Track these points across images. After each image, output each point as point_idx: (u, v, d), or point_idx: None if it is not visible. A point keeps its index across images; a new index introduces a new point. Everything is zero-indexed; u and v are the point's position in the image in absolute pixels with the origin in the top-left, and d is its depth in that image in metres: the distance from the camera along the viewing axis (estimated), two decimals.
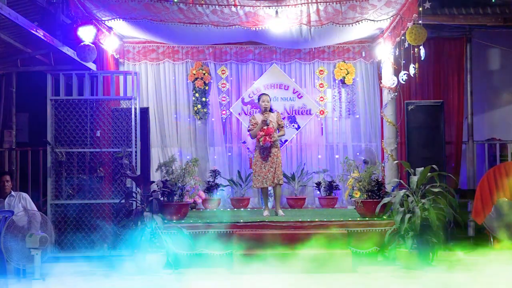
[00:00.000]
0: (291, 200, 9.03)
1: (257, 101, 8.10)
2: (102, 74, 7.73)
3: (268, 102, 7.66)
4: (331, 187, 8.96)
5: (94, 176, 7.46)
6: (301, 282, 5.89)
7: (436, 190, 6.61)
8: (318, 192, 9.09)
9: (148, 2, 7.04)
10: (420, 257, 6.49)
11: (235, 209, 8.84)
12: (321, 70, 9.40)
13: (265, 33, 7.68)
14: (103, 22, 7.44)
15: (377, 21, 7.32)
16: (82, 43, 6.96)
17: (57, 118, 7.51)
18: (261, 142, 7.50)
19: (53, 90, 7.57)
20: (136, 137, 7.52)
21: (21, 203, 6.79)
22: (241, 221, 7.06)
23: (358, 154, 9.14)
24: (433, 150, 7.99)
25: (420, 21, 6.84)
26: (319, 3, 7.11)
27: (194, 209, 8.68)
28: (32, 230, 6.12)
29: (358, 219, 7.19)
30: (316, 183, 9.08)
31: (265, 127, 7.51)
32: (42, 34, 6.44)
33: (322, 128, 9.39)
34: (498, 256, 6.97)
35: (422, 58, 7.00)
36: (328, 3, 7.10)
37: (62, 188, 7.46)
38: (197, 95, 9.25)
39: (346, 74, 9.27)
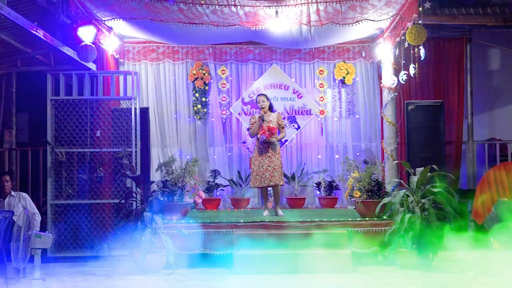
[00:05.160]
0: (291, 200, 9.03)
1: (255, 101, 8.10)
2: (102, 74, 7.74)
3: (263, 101, 7.62)
4: (331, 187, 8.96)
5: (94, 176, 7.46)
6: (301, 282, 5.89)
7: (436, 190, 6.61)
8: (318, 192, 9.10)
9: (148, 2, 7.04)
10: (420, 257, 6.49)
11: (235, 209, 8.85)
12: (321, 70, 9.40)
13: (265, 33, 7.68)
14: (103, 22, 7.45)
15: (377, 21, 7.32)
16: (82, 43, 6.96)
17: (57, 118, 7.51)
18: (259, 135, 7.47)
19: (53, 90, 7.57)
20: (136, 137, 7.52)
21: (21, 203, 6.80)
22: (241, 221, 7.06)
23: (358, 154, 9.14)
24: (433, 150, 7.99)
25: (420, 21, 6.84)
26: (319, 3, 7.11)
27: (194, 209, 8.68)
28: (33, 230, 6.11)
29: (358, 219, 7.19)
30: (316, 183, 9.09)
31: (270, 125, 7.48)
32: (42, 34, 6.44)
33: (322, 128, 9.39)
34: (498, 256, 6.97)
35: (422, 58, 6.99)
36: (328, 3, 7.10)
37: (62, 188, 7.46)
38: (197, 95, 9.25)
39: (346, 74, 9.27)
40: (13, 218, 5.91)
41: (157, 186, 7.13)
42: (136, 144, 7.52)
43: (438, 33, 8.85)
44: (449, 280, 5.88)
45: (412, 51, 7.01)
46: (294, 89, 9.40)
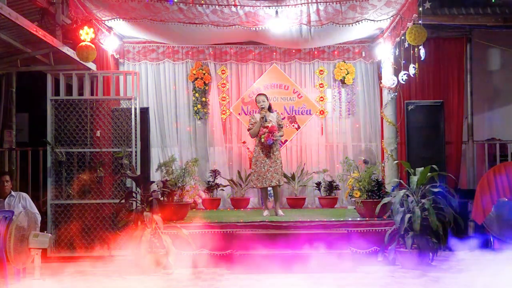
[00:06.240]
0: (291, 200, 9.03)
1: (255, 101, 8.10)
2: (102, 74, 7.73)
3: (264, 101, 7.65)
4: (331, 187, 8.96)
5: (94, 176, 7.46)
6: (301, 282, 5.89)
7: (436, 190, 6.61)
8: (318, 192, 9.09)
9: (148, 2, 7.04)
10: (420, 257, 6.50)
11: (235, 209, 8.85)
12: (321, 70, 9.40)
13: (265, 33, 7.68)
14: (103, 22, 7.45)
15: (377, 21, 7.32)
16: (82, 43, 6.96)
17: (57, 118, 7.50)
18: (263, 139, 7.49)
19: (53, 90, 7.56)
20: (136, 137, 7.52)
21: (21, 203, 6.79)
22: (241, 221, 7.06)
23: (358, 154, 9.13)
24: (433, 150, 7.99)
25: (420, 21, 6.84)
26: (319, 3, 7.11)
27: (194, 209, 8.68)
28: (33, 230, 6.11)
29: (358, 219, 7.19)
30: (316, 183, 9.09)
31: (269, 125, 7.50)
32: (42, 34, 6.44)
33: (322, 128, 9.39)
34: (498, 256, 6.97)
35: (422, 58, 6.99)
36: (328, 3, 7.10)
37: (62, 188, 7.46)
38: (197, 95, 9.25)
39: (346, 74, 9.28)
40: (13, 218, 5.90)
41: (157, 186, 7.13)
42: (136, 144, 7.51)
43: (438, 33, 8.84)
44: (449, 280, 5.88)
45: (412, 51, 7.01)
46: (294, 89, 9.40)
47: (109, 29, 7.97)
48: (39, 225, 6.78)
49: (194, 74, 9.23)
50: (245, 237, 6.73)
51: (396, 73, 7.86)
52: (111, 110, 7.65)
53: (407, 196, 6.72)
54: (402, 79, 7.64)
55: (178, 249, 6.67)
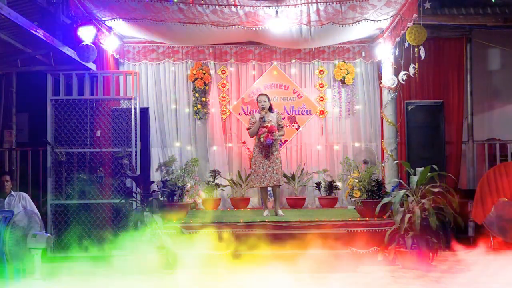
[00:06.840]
0: (291, 200, 9.03)
1: (256, 101, 8.10)
2: (102, 74, 7.73)
3: (265, 102, 7.65)
4: (331, 187, 8.96)
5: (94, 176, 7.46)
6: (301, 282, 5.89)
7: (436, 190, 6.61)
8: (318, 192, 9.09)
9: (148, 2, 7.04)
10: (420, 257, 6.49)
11: (235, 209, 8.85)
12: (321, 70, 9.40)
13: (265, 33, 7.68)
14: (103, 22, 7.45)
15: (377, 21, 7.32)
16: (82, 43, 6.96)
17: (57, 118, 7.51)
18: (262, 139, 7.48)
19: (53, 90, 7.57)
20: (136, 137, 7.52)
21: (21, 203, 6.79)
22: (241, 221, 7.06)
23: (358, 154, 9.14)
24: (433, 150, 8.00)
25: (420, 21, 6.84)
26: (319, 3, 7.11)
27: (194, 209, 8.68)
28: (32, 230, 6.11)
29: (358, 219, 7.20)
30: (316, 183, 9.09)
31: (268, 125, 7.50)
32: (42, 34, 6.44)
33: (322, 128, 9.39)
34: (498, 256, 6.97)
35: (422, 58, 6.99)
36: (328, 3, 7.10)
37: (62, 188, 7.46)
38: (197, 95, 9.25)
39: (346, 74, 9.28)
40: (13, 218, 5.90)
41: (157, 186, 7.13)
42: (136, 144, 7.52)
43: (438, 33, 8.85)
44: (449, 280, 5.88)
45: (412, 51, 7.01)
46: (294, 89, 9.40)
47: (109, 29, 7.97)
48: (40, 225, 6.77)
49: (194, 74, 9.23)
50: (245, 237, 6.73)
51: (396, 73, 7.86)
52: (111, 110, 7.65)
53: (407, 196, 6.72)
54: (402, 79, 7.64)
55: (178, 249, 6.67)
